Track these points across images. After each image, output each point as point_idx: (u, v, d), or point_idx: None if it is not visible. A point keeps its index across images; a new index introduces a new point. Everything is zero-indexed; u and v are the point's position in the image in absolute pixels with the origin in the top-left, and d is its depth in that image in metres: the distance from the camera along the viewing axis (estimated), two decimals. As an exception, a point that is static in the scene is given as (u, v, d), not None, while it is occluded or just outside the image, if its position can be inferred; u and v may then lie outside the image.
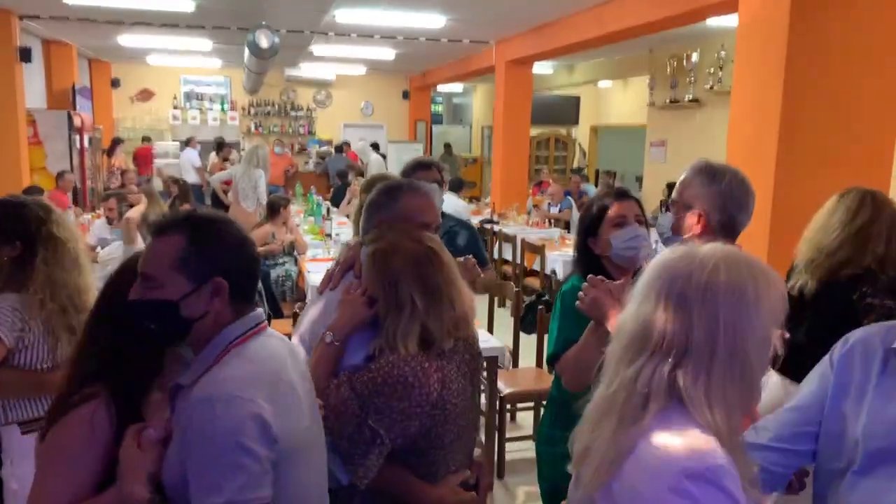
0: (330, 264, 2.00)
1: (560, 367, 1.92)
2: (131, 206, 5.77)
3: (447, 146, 14.61)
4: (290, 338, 2.57)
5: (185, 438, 1.26)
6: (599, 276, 1.74)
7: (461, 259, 2.40)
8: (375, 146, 12.27)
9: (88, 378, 1.39)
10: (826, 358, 1.42)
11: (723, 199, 1.88)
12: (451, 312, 1.65)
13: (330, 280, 1.89)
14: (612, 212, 2.03)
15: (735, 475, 1.01)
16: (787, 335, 2.22)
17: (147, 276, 1.34)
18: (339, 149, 12.22)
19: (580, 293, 1.73)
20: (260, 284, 4.67)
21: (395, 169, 11.30)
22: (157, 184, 10.28)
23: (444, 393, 1.61)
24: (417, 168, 2.96)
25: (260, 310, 1.43)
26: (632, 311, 1.14)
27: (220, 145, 10.42)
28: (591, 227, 2.06)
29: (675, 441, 1.03)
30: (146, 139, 12.41)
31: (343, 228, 6.79)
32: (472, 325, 1.75)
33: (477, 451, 1.82)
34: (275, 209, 5.72)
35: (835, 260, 2.38)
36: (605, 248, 2.02)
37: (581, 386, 1.83)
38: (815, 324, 2.48)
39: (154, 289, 1.33)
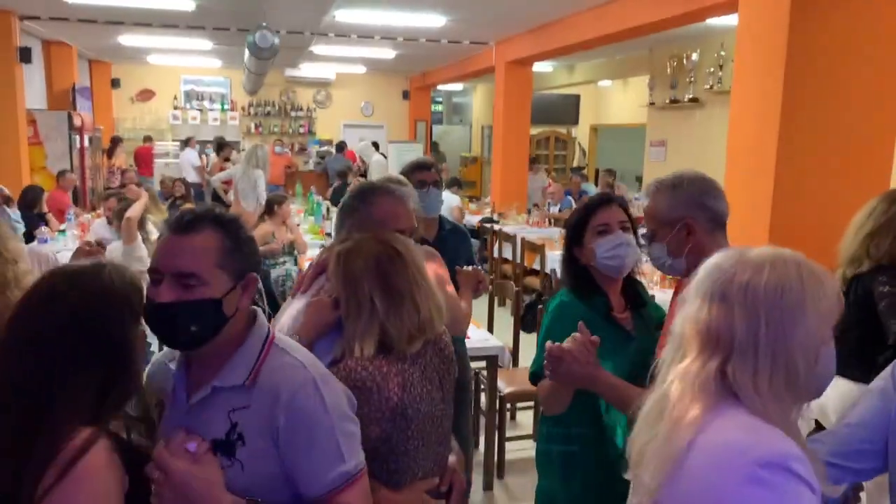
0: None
1: (538, 389, 1.89)
2: (128, 206, 5.77)
3: (434, 144, 14.66)
4: None
5: (285, 428, 1.28)
6: (556, 343, 1.65)
7: (469, 268, 2.42)
8: (375, 146, 12.25)
9: (74, 417, 1.22)
10: (888, 372, 1.41)
11: (696, 198, 1.80)
12: (414, 315, 1.60)
13: (302, 283, 1.85)
14: (594, 220, 1.97)
15: (804, 459, 1.02)
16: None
17: (188, 273, 1.27)
18: (340, 148, 12.21)
19: (545, 363, 1.66)
20: (260, 284, 4.68)
21: (395, 169, 11.29)
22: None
23: (405, 398, 1.56)
24: (416, 169, 2.95)
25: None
26: (681, 314, 1.16)
27: (221, 146, 10.36)
28: (574, 236, 2.01)
29: (739, 432, 1.04)
30: (148, 139, 12.42)
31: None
32: (439, 328, 1.69)
33: (452, 458, 1.75)
34: (270, 207, 5.73)
35: (854, 256, 2.58)
36: (589, 257, 1.96)
37: (554, 413, 1.85)
38: (843, 317, 2.57)
39: (196, 287, 1.27)
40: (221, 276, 1.30)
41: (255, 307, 1.42)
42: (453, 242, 2.83)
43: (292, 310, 1.80)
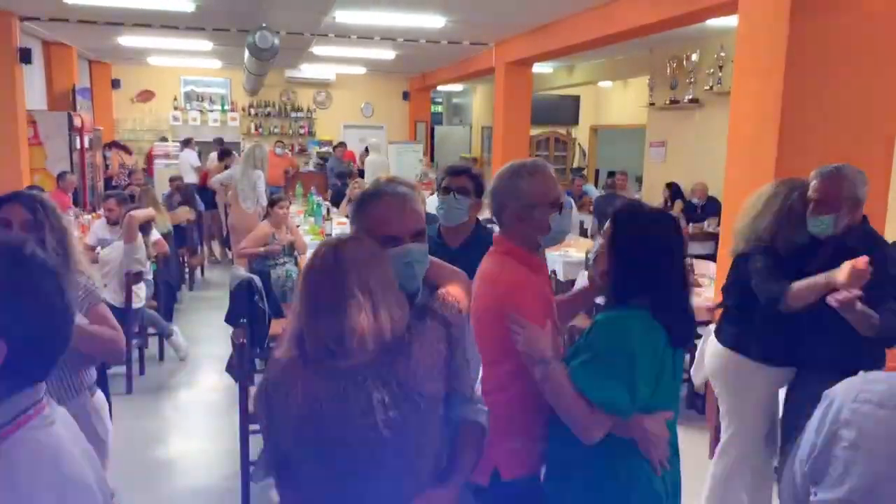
0: None
1: None
2: (135, 208, 5.76)
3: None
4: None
5: None
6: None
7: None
8: (366, 150, 11.97)
9: None
10: None
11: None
12: (335, 328, 1.49)
13: None
14: None
15: None
16: None
17: None
18: (341, 146, 12.13)
19: None
20: (260, 284, 4.67)
21: (395, 170, 11.25)
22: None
23: (304, 410, 1.49)
24: (445, 174, 2.83)
25: (41, 384, 1.07)
26: None
27: (225, 152, 10.11)
28: None
29: None
30: (163, 139, 12.47)
31: (343, 228, 6.79)
32: (369, 348, 1.51)
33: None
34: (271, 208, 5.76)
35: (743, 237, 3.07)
36: None
37: None
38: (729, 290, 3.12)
39: None
40: None
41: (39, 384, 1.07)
42: (477, 253, 2.42)
43: None
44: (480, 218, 2.96)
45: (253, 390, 3.47)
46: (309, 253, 5.08)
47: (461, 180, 2.77)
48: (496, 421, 1.89)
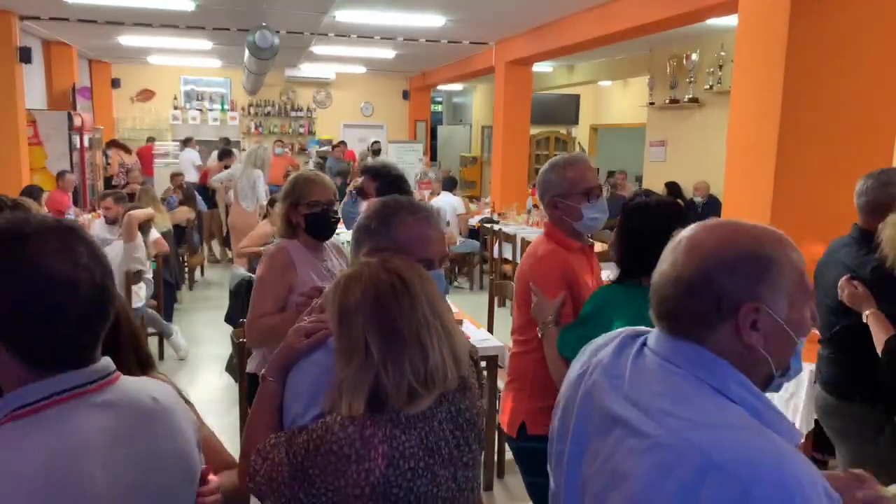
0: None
1: None
2: (135, 207, 5.76)
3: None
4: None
5: None
6: None
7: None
8: (377, 151, 11.91)
9: None
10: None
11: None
12: (420, 365, 1.27)
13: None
14: None
15: None
16: None
17: None
18: (340, 145, 12.11)
19: None
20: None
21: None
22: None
23: (390, 473, 1.25)
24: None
25: (93, 368, 1.05)
26: None
27: (226, 152, 9.86)
28: None
29: None
30: (151, 139, 12.44)
31: (342, 227, 6.77)
32: (452, 383, 1.33)
33: None
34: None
35: None
36: None
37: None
38: None
39: None
40: None
41: (89, 367, 1.06)
42: None
43: None
44: (480, 217, 3.01)
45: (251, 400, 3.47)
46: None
47: (361, 181, 2.69)
48: (527, 379, 2.23)
